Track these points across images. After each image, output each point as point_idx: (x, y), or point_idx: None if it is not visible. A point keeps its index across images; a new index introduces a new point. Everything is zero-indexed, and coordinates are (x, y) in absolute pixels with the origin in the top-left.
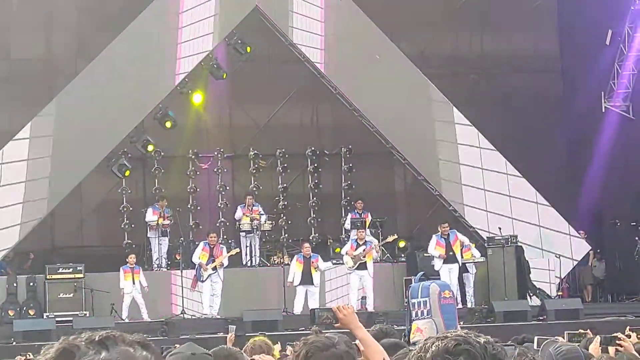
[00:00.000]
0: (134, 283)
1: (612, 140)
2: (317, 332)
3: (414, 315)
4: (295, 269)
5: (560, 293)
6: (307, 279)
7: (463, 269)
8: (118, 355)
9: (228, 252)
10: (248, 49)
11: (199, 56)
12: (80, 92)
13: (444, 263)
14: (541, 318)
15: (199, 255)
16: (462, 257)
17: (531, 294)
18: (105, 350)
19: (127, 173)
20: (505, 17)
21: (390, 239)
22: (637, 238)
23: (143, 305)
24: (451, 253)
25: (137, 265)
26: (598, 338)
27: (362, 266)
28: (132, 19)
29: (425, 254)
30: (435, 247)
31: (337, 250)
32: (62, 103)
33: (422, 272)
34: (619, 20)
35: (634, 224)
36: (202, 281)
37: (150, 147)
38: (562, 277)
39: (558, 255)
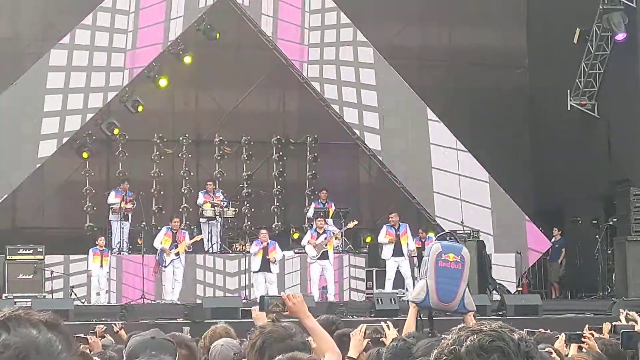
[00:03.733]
0: (101, 266)
1: (576, 138)
2: (274, 321)
3: (420, 275)
4: (256, 256)
5: (520, 289)
6: (265, 267)
7: None
8: (19, 339)
9: (191, 238)
10: (214, 35)
11: (166, 40)
12: (45, 73)
13: (392, 256)
14: (500, 313)
15: (162, 240)
16: (414, 249)
17: (491, 289)
18: (6, 332)
19: (85, 155)
20: (475, 11)
21: (351, 224)
22: (597, 236)
23: (104, 290)
24: (400, 245)
25: (107, 248)
26: (563, 335)
27: (324, 255)
28: (99, 1)
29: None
30: (385, 236)
31: (296, 235)
32: (28, 84)
33: (446, 232)
34: (587, 19)
35: (595, 222)
36: (165, 266)
37: (116, 131)
38: (523, 272)
39: (519, 251)
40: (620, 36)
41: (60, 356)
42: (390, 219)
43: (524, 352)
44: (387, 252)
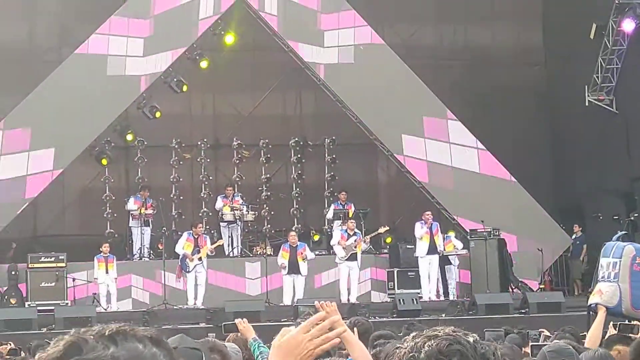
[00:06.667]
0: (107, 272)
1: (594, 133)
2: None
3: (600, 275)
4: (282, 259)
5: (542, 286)
6: (294, 269)
7: (446, 261)
8: (126, 352)
9: (212, 243)
10: (231, 39)
11: (183, 46)
12: (63, 81)
13: (427, 254)
14: (523, 311)
15: (184, 245)
16: (443, 249)
17: (513, 287)
18: (114, 346)
19: (104, 161)
20: (490, 9)
21: (382, 230)
22: (618, 232)
23: (114, 295)
24: (435, 243)
25: (111, 255)
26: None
27: (352, 257)
28: (115, 8)
29: (407, 246)
30: (419, 232)
31: (316, 237)
32: (46, 91)
33: (624, 232)
34: (603, 14)
35: (616, 217)
36: (188, 272)
37: (130, 137)
38: (545, 270)
39: (540, 249)
40: (630, 26)
41: None
42: (424, 216)
43: (481, 353)
44: (422, 249)
